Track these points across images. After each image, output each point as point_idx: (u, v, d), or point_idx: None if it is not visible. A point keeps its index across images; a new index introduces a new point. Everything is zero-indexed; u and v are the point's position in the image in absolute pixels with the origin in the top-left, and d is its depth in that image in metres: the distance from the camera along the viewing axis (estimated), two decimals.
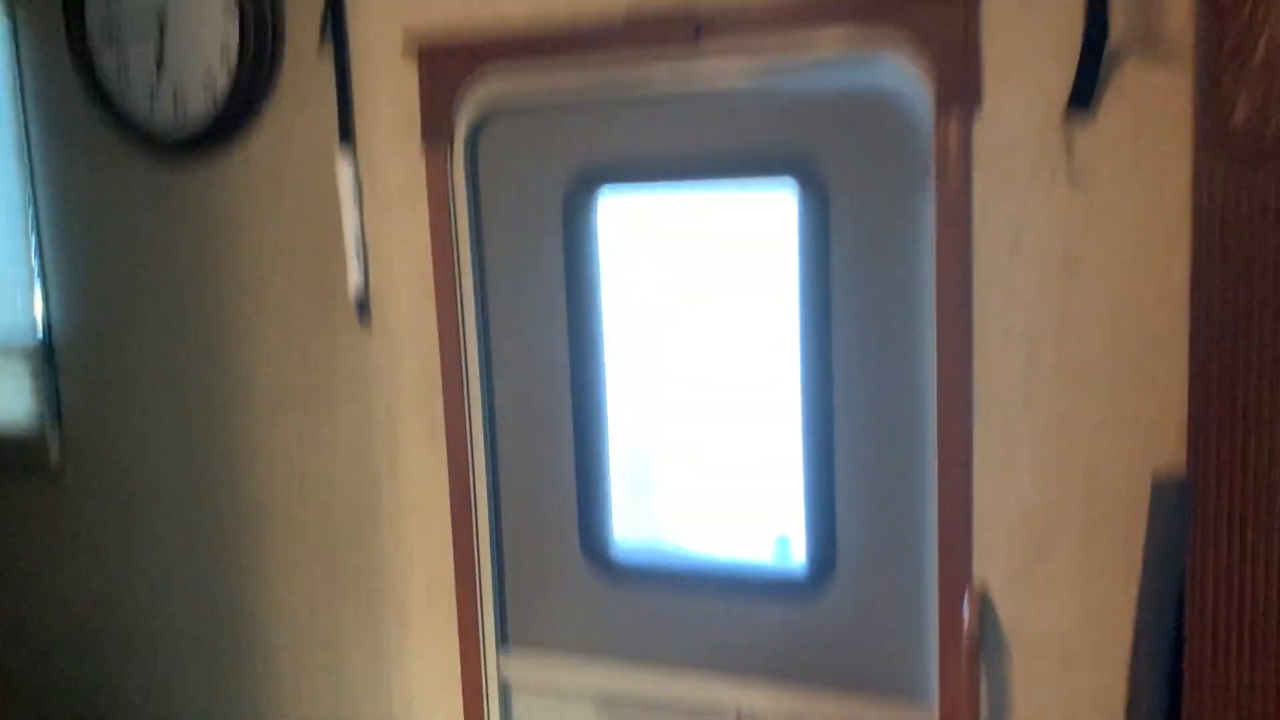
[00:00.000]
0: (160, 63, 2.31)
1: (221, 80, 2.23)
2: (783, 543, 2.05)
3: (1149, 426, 1.64)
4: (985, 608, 1.76)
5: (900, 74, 1.74)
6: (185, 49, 2.27)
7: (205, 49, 2.24)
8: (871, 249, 1.82)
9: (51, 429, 2.68)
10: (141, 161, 2.43)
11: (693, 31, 1.83)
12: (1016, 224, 1.68)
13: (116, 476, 2.63)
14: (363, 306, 2.22)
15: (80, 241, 2.57)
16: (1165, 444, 1.63)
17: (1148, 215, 1.60)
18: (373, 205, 2.18)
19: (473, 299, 2.11)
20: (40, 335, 2.66)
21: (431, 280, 2.12)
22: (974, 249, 1.70)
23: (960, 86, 1.66)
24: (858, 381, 1.85)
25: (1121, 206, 1.61)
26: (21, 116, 2.58)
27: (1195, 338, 1.54)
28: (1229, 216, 1.49)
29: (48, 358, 2.66)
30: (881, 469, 1.85)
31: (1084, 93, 1.54)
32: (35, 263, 2.63)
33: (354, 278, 2.19)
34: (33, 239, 2.62)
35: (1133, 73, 1.57)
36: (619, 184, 2.01)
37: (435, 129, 2.06)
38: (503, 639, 2.19)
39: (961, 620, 1.75)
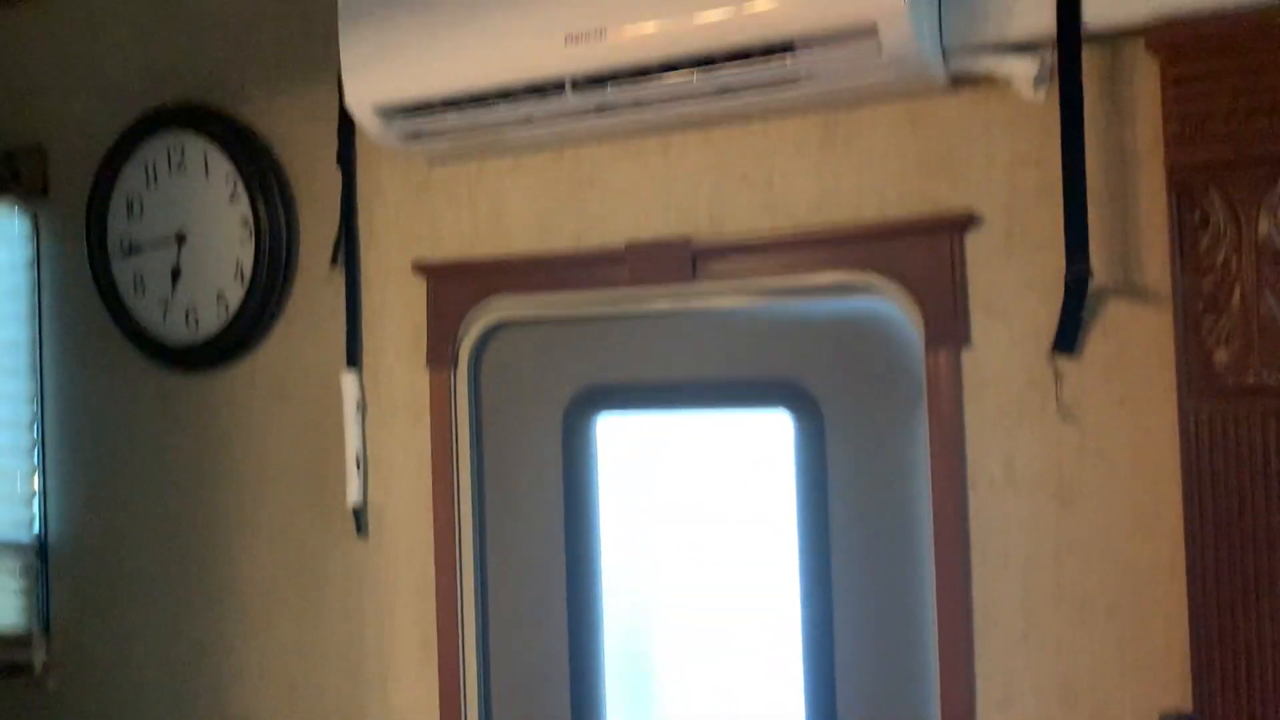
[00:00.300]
0: (176, 276, 2.39)
1: (234, 296, 2.30)
2: None
3: (1151, 659, 1.62)
4: None
5: (890, 307, 1.80)
6: (202, 265, 2.36)
7: (221, 266, 2.33)
8: (867, 472, 1.84)
9: (38, 632, 2.64)
10: (149, 369, 2.48)
11: (690, 263, 1.91)
12: (1008, 454, 1.70)
13: (101, 684, 2.57)
14: (360, 518, 2.23)
15: (83, 443, 2.60)
16: (1169, 676, 1.61)
17: (1138, 448, 1.63)
18: (375, 421, 2.22)
19: (470, 513, 2.12)
20: (36, 533, 2.65)
21: (430, 493, 2.14)
22: (968, 477, 1.72)
23: (948, 322, 1.72)
24: (857, 606, 1.84)
25: (1112, 439, 1.64)
26: (36, 316, 2.65)
27: (1192, 572, 1.54)
28: (1217, 454, 1.52)
29: (40, 557, 2.64)
30: (882, 701, 1.82)
31: (1068, 336, 1.59)
32: (37, 460, 2.65)
33: (353, 490, 2.20)
34: (36, 436, 2.65)
35: (1116, 312, 1.63)
36: (618, 408, 2.05)
37: (440, 349, 2.12)
38: None
39: None
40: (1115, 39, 1.62)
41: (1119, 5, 1.57)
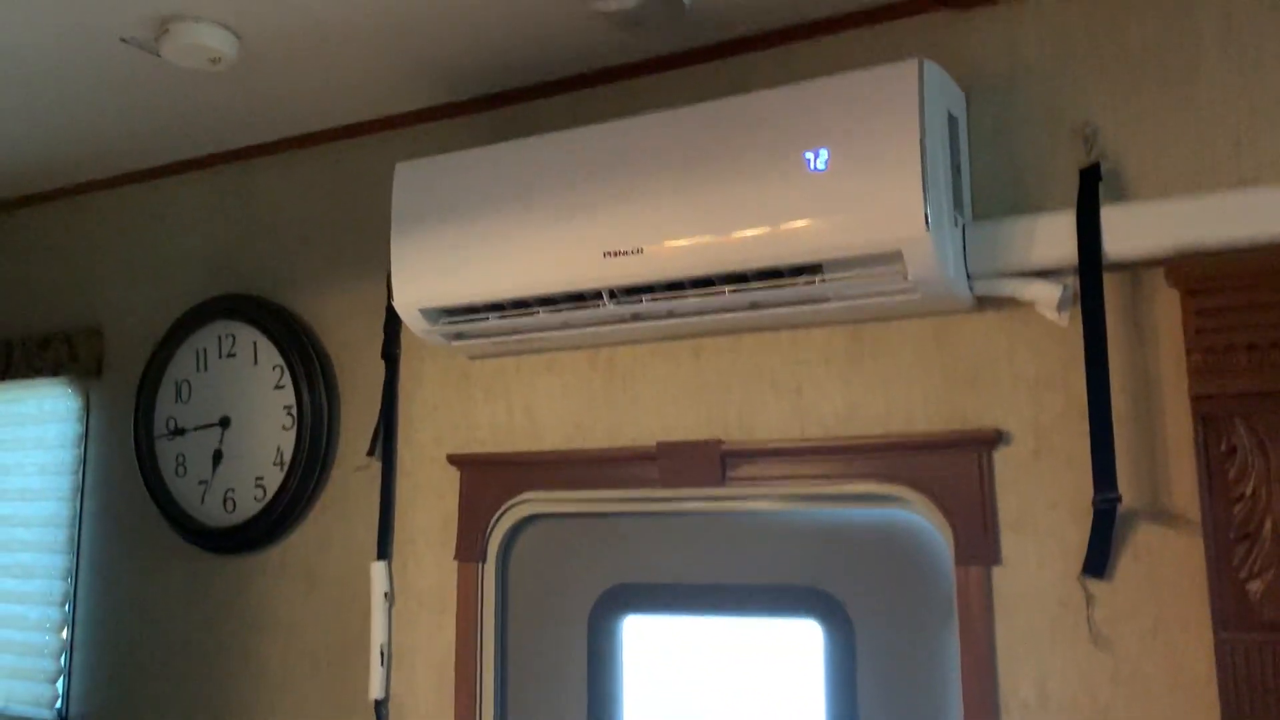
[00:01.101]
0: (218, 459, 2.44)
1: (273, 481, 2.35)
2: None
3: None
4: None
5: (920, 520, 1.81)
6: (243, 449, 2.41)
7: (262, 451, 2.38)
8: (898, 686, 1.81)
9: None
10: (183, 549, 2.51)
11: (720, 466, 1.93)
12: (1041, 676, 1.67)
13: None
14: (381, 709, 2.20)
15: (112, 619, 2.60)
16: None
17: (1173, 677, 1.59)
18: (401, 612, 2.22)
19: (492, 708, 2.09)
20: (58, 709, 2.63)
21: (453, 690, 2.12)
22: (1000, 700, 1.69)
23: (978, 539, 1.72)
24: None
25: (1146, 667, 1.61)
26: (79, 493, 2.71)
27: None
28: (1255, 688, 1.48)
29: None
30: None
31: (1098, 560, 1.59)
32: (66, 638, 2.66)
33: (376, 684, 2.18)
34: (68, 614, 2.66)
35: (1146, 537, 1.62)
36: (644, 610, 2.04)
37: (470, 542, 2.14)
38: None
39: None
40: (1136, 268, 1.67)
41: (1138, 238, 1.63)
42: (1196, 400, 1.55)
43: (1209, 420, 1.54)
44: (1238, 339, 1.53)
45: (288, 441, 2.34)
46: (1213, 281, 1.55)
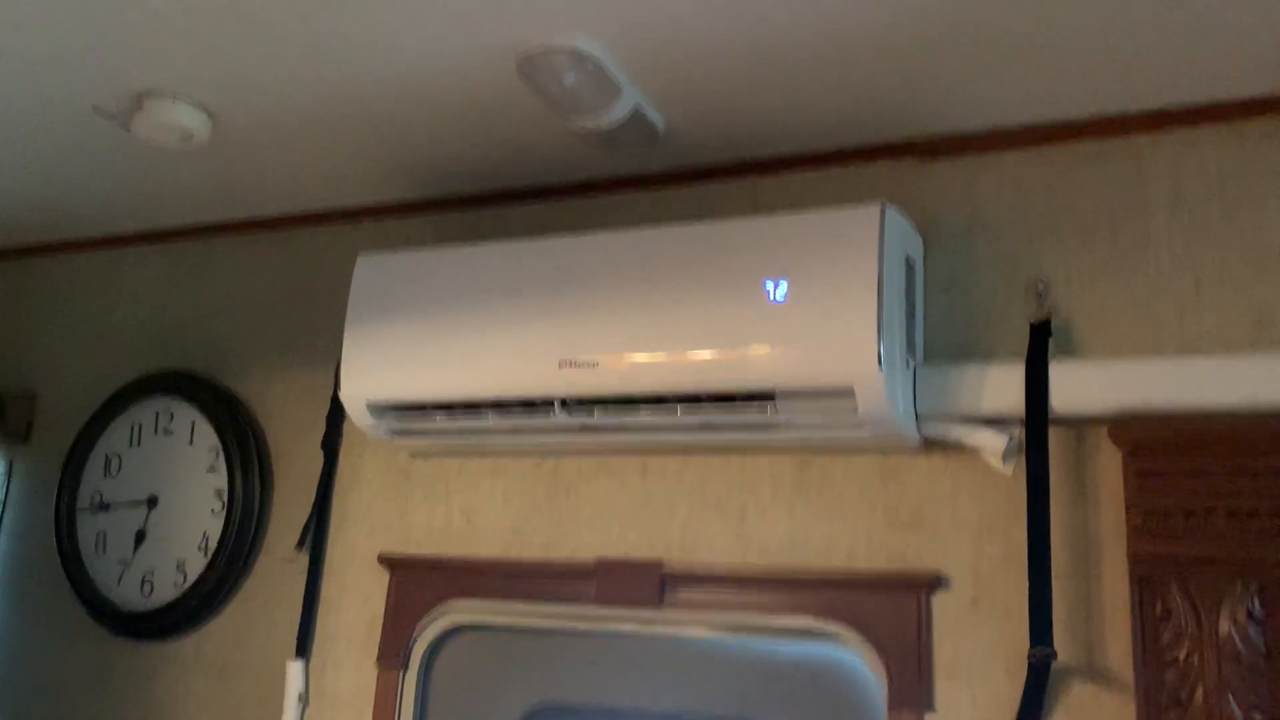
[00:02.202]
0: (140, 539, 2.36)
1: (194, 567, 2.27)
2: None
3: None
4: None
5: (855, 659, 1.79)
6: (168, 531, 2.34)
7: (187, 535, 2.31)
8: None
9: None
10: (94, 631, 2.40)
11: (659, 587, 1.90)
12: None
13: None
14: None
15: (11, 697, 2.47)
16: None
17: None
18: (315, 717, 2.13)
19: None
20: None
21: None
22: None
23: (912, 683, 1.70)
24: None
25: None
26: None
27: None
28: None
29: None
30: None
31: (1030, 716, 1.57)
32: None
33: None
34: None
35: (1079, 694, 1.61)
36: None
37: (393, 647, 2.07)
38: None
39: None
40: (1081, 424, 1.70)
41: (1084, 395, 1.66)
42: (1134, 561, 1.56)
43: (1145, 582, 1.54)
44: (1176, 503, 1.55)
45: (215, 526, 2.26)
46: (1154, 444, 1.57)
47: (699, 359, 1.74)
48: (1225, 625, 1.48)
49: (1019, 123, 1.85)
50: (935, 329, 1.85)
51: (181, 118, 1.93)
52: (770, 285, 1.71)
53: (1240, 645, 1.47)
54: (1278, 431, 1.51)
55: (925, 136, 1.91)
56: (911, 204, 1.91)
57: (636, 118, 1.85)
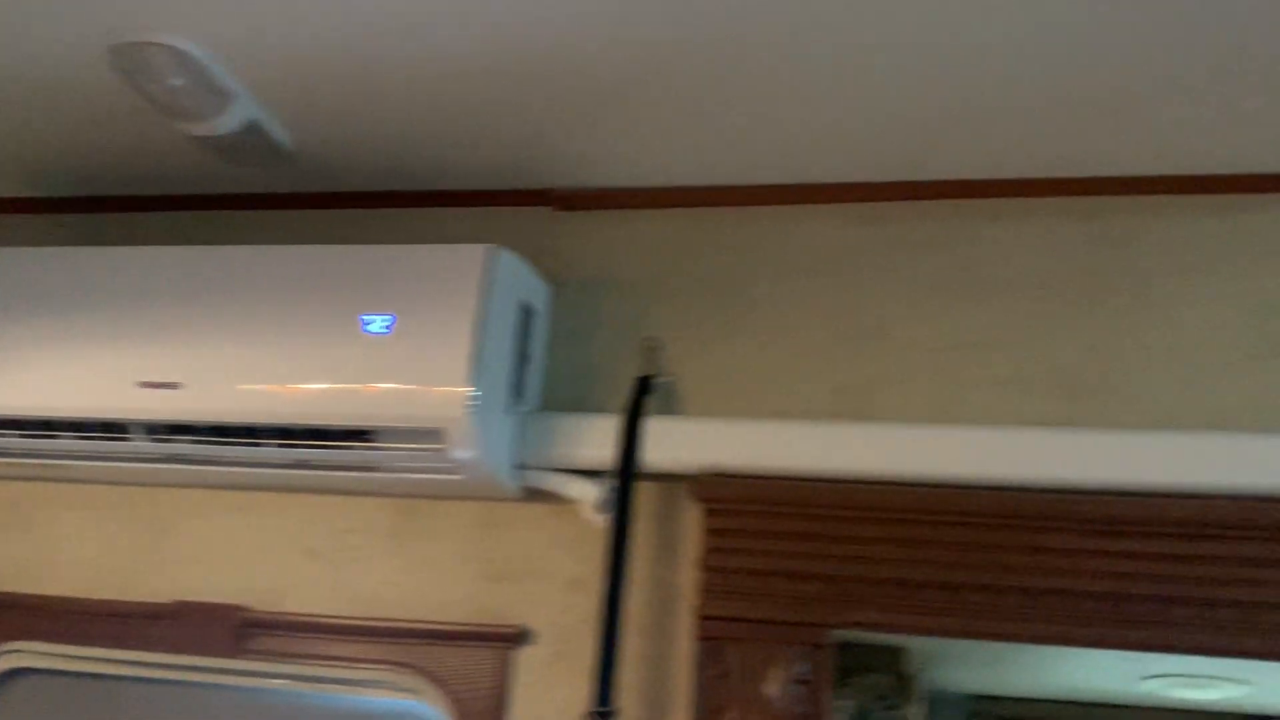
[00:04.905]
0: None
1: None
2: None
3: None
4: None
5: (434, 714, 1.71)
6: None
7: None
8: None
9: None
10: None
11: (238, 635, 1.76)
12: None
13: None
14: None
15: None
16: None
17: None
18: None
19: None
20: None
21: None
22: None
23: None
24: None
25: None
26: None
27: None
28: None
29: None
30: None
31: None
32: None
33: None
34: None
35: None
36: None
37: None
38: None
39: None
40: (672, 481, 1.71)
41: (675, 451, 1.67)
42: (701, 620, 1.57)
43: (707, 641, 1.56)
44: (743, 563, 1.57)
45: None
46: (727, 503, 1.60)
47: (294, 391, 1.64)
48: (772, 688, 1.50)
49: (652, 184, 1.88)
50: (557, 379, 1.83)
51: None
52: (369, 319, 1.64)
53: (785, 707, 1.49)
54: (842, 497, 1.56)
55: (564, 187, 1.91)
56: (545, 252, 1.89)
57: (255, 130, 1.75)
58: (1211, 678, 1.75)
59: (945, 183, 1.77)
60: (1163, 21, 1.38)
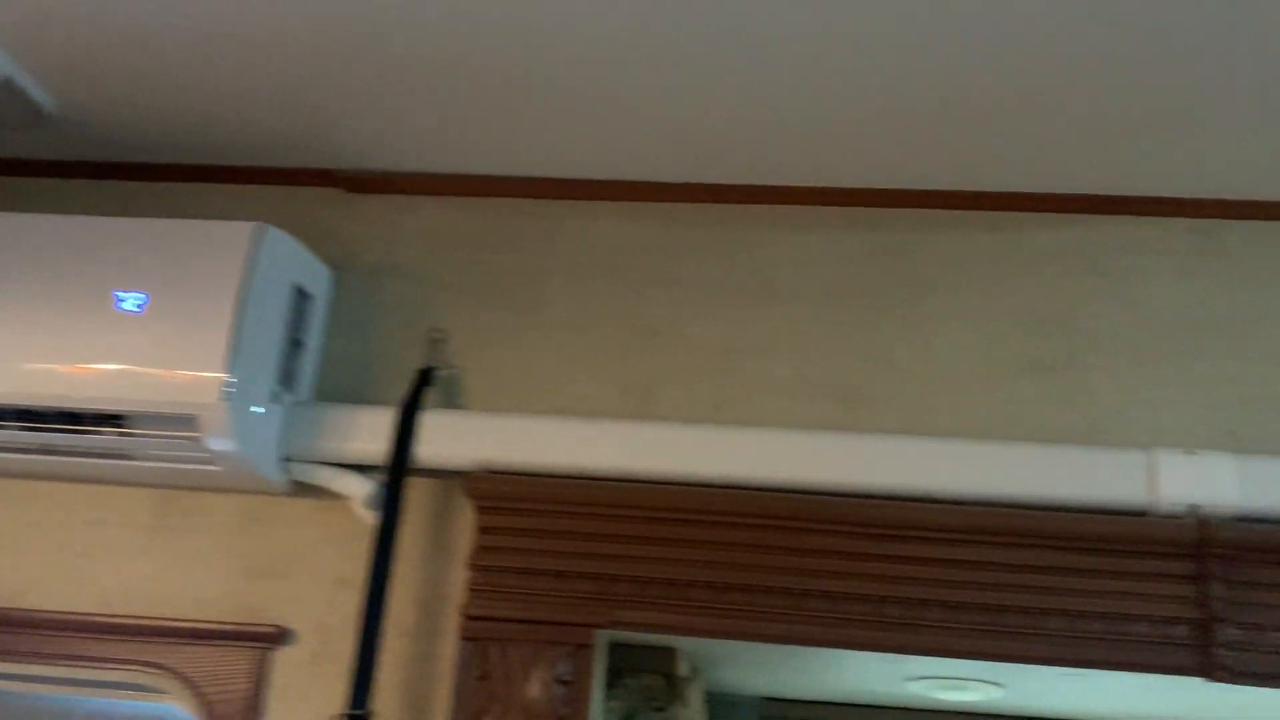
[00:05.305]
0: None
1: None
2: None
3: None
4: None
5: (186, 716, 1.61)
6: None
7: None
8: None
9: None
10: None
11: None
12: None
13: None
14: None
15: None
16: None
17: None
18: None
19: None
20: None
21: None
22: None
23: None
24: None
25: None
26: None
27: None
28: None
29: None
30: None
31: None
32: None
33: None
34: None
35: None
36: None
37: None
38: None
39: None
40: (449, 477, 1.66)
41: (452, 447, 1.62)
42: (466, 620, 1.53)
43: (471, 642, 1.51)
44: (512, 562, 1.54)
45: None
46: (499, 501, 1.56)
47: (39, 369, 1.53)
48: (534, 689, 1.47)
49: (446, 170, 1.82)
50: (335, 368, 1.76)
51: None
52: (122, 296, 1.53)
53: (546, 709, 1.46)
54: (614, 496, 1.54)
55: (354, 169, 1.84)
56: (331, 235, 1.82)
57: (9, 88, 1.62)
58: (968, 680, 1.81)
59: (736, 187, 1.78)
60: (953, 42, 1.41)
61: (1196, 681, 1.44)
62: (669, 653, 1.67)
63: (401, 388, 1.70)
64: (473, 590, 1.53)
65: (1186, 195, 1.70)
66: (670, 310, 1.75)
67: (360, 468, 1.64)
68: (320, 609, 1.62)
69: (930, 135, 1.62)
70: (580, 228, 1.81)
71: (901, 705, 2.13)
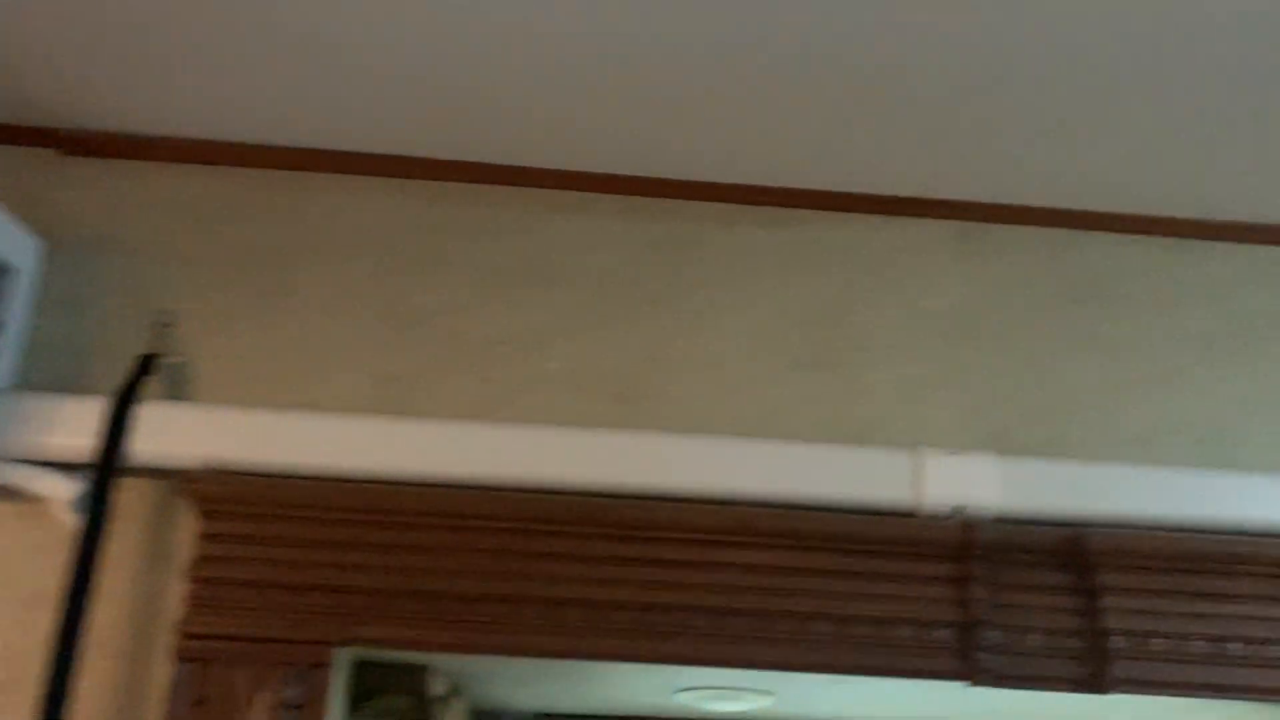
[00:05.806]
0: None
1: None
2: None
3: None
4: None
5: None
6: None
7: None
8: None
9: None
10: None
11: None
12: None
13: None
14: None
15: None
16: None
17: None
18: None
19: None
20: None
21: None
22: None
23: None
24: None
25: None
26: None
27: None
28: None
29: None
30: None
31: None
32: None
33: None
34: None
35: None
36: None
37: None
38: None
39: None
40: (169, 477, 1.47)
41: (176, 443, 1.44)
42: (183, 638, 1.34)
43: (189, 663, 1.33)
44: (239, 573, 1.36)
45: None
46: (225, 504, 1.39)
47: None
48: (259, 714, 1.30)
49: (181, 134, 1.62)
50: (43, 353, 1.53)
51: None
52: None
53: None
54: (356, 500, 1.40)
55: (73, 128, 1.62)
56: (42, 202, 1.59)
57: None
58: (738, 689, 1.76)
59: (508, 168, 1.66)
60: (730, 34, 1.34)
61: (961, 684, 1.42)
62: (420, 670, 1.54)
63: (120, 376, 1.50)
64: (193, 604, 1.35)
65: (954, 198, 1.71)
66: (433, 297, 1.61)
67: (67, 466, 1.44)
68: (10, 630, 1.40)
69: (709, 127, 1.55)
70: (335, 204, 1.65)
71: (674, 717, 2.06)
